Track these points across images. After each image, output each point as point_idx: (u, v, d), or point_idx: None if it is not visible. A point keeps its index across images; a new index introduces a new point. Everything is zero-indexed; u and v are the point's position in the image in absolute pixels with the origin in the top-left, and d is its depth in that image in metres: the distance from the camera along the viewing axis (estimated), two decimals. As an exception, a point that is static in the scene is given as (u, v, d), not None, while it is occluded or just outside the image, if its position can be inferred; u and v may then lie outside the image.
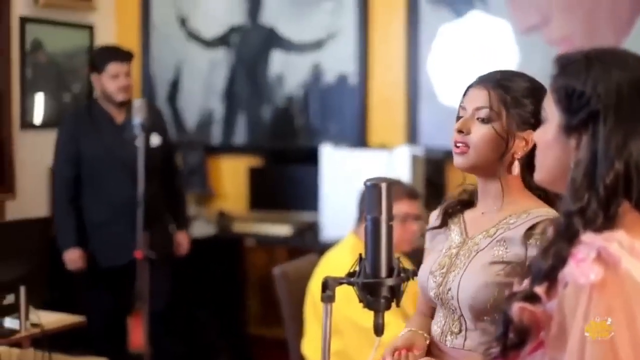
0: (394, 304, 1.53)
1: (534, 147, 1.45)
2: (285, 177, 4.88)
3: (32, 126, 4.75)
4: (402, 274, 1.53)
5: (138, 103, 3.82)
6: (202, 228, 4.73)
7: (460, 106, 1.83)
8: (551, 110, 1.39)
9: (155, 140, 3.98)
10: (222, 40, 5.13)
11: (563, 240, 1.31)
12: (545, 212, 1.73)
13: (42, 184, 4.72)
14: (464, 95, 1.83)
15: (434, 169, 4.33)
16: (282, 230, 4.61)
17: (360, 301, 1.54)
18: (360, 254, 1.55)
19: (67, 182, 3.99)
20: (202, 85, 5.20)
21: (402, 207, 2.99)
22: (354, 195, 3.21)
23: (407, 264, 1.64)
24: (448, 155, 2.83)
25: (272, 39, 4.98)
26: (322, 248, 3.50)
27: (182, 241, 4.20)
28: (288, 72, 4.94)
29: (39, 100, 4.82)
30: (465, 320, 1.76)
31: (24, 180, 4.63)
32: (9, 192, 4.55)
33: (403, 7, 4.59)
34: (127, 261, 3.80)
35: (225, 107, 5.14)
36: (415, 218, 3.09)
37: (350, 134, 4.74)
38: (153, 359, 3.89)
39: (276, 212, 4.80)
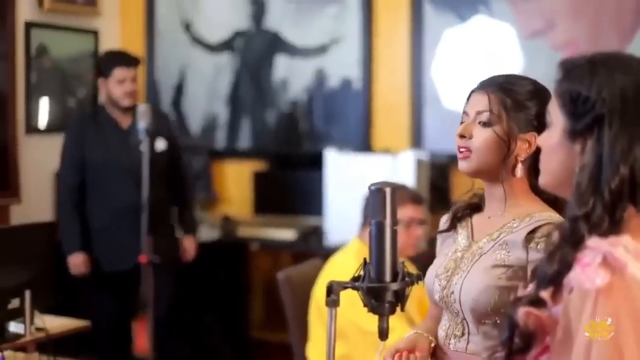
0: (398, 309, 1.54)
1: (540, 150, 1.45)
2: (289, 182, 4.88)
3: (36, 131, 4.76)
4: (406, 279, 1.53)
5: (142, 108, 3.81)
6: (206, 232, 4.73)
7: (463, 112, 1.84)
8: (556, 115, 1.39)
9: (161, 145, 3.98)
10: (226, 45, 5.14)
11: (568, 245, 1.31)
12: (548, 216, 1.73)
13: (46, 188, 4.73)
14: (467, 100, 1.84)
15: (438, 174, 4.33)
16: (286, 234, 4.61)
17: (365, 305, 1.54)
18: (365, 259, 1.55)
19: (71, 187, 3.99)
20: (207, 90, 5.21)
21: (406, 212, 2.99)
22: (359, 200, 3.20)
23: (411, 268, 1.64)
24: (453, 159, 2.84)
25: (276, 44, 4.99)
26: (326, 252, 3.50)
27: (188, 246, 4.19)
28: (292, 76, 4.94)
29: (44, 105, 4.83)
30: (467, 324, 1.76)
31: (29, 185, 4.64)
32: (14, 196, 4.56)
33: (407, 11, 4.59)
34: (132, 266, 3.80)
35: (230, 112, 5.15)
36: (420, 222, 3.09)
37: (355, 138, 4.74)
38: (157, 364, 3.89)
39: (280, 217, 4.80)
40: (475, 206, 1.89)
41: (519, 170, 1.77)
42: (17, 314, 2.77)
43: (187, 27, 5.24)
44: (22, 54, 4.67)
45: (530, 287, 1.41)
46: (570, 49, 4.14)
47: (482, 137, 1.77)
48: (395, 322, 1.87)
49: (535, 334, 1.33)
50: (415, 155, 4.25)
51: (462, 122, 1.82)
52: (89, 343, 3.80)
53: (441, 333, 1.83)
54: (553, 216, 1.72)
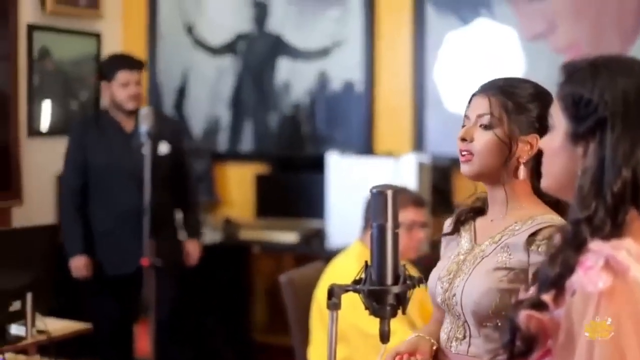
0: (399, 312, 1.54)
1: (542, 153, 1.45)
2: (291, 185, 4.88)
3: (39, 133, 4.76)
4: (408, 282, 1.53)
5: (145, 111, 3.80)
6: (208, 235, 4.73)
7: (464, 115, 1.84)
8: (558, 118, 1.39)
9: (164, 148, 3.98)
10: (228, 48, 5.14)
11: (571, 248, 1.31)
12: (550, 218, 1.73)
13: (49, 191, 4.73)
14: (468, 104, 1.85)
15: (440, 177, 4.33)
16: (288, 237, 4.61)
17: (366, 308, 1.54)
18: (366, 262, 1.55)
19: (74, 190, 3.99)
20: (209, 92, 5.21)
21: (408, 215, 2.99)
22: (360, 203, 3.20)
23: (413, 271, 1.64)
24: (455, 162, 2.84)
25: (278, 47, 4.99)
26: (328, 255, 3.50)
27: (192, 250, 4.18)
28: (294, 79, 4.95)
29: (46, 108, 4.83)
30: (469, 327, 1.76)
31: (31, 187, 4.64)
32: (16, 198, 4.56)
33: (409, 14, 4.60)
34: (134, 269, 3.79)
35: (232, 115, 5.15)
36: (422, 225, 3.09)
37: (357, 141, 4.74)
38: (159, 367, 3.89)
39: (283, 220, 4.80)
40: (479, 209, 1.90)
41: (522, 172, 1.78)
42: (19, 317, 2.77)
43: (190, 30, 5.24)
44: (25, 56, 4.67)
45: (532, 290, 1.40)
46: (572, 52, 4.14)
47: (483, 140, 1.78)
48: (397, 325, 1.87)
49: (537, 337, 1.32)
50: (418, 158, 4.24)
51: (463, 126, 1.83)
52: (91, 346, 3.80)
53: (443, 336, 1.83)
54: (555, 219, 1.72)
